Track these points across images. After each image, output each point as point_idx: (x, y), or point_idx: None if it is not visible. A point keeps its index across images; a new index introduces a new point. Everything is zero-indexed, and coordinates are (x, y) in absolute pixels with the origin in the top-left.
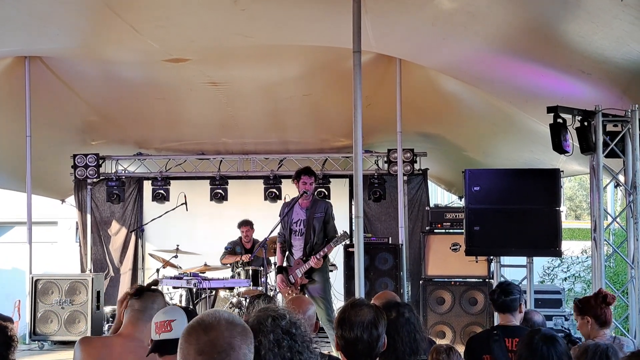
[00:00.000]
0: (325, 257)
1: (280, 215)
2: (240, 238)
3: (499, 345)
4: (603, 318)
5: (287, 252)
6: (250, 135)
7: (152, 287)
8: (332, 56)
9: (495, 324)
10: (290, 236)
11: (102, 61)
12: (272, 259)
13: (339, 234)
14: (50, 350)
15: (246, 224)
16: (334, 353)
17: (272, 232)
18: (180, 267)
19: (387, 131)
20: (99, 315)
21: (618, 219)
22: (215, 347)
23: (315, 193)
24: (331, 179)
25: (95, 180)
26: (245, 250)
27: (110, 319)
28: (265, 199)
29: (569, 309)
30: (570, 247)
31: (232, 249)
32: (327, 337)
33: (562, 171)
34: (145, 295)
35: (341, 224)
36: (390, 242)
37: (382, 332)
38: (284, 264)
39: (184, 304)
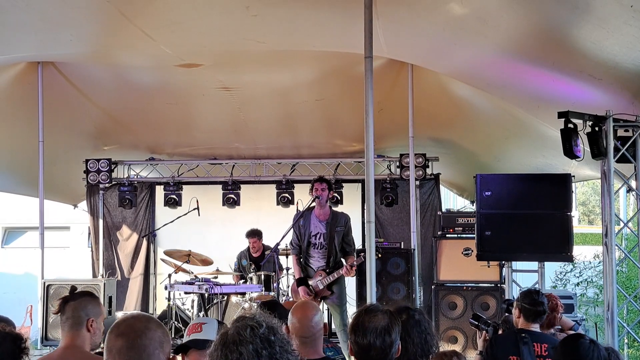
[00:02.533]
0: (353, 268)
1: (294, 227)
2: (248, 247)
3: (527, 348)
4: None
5: (302, 262)
6: (263, 140)
7: (72, 292)
8: (345, 61)
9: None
10: (308, 248)
11: (115, 66)
12: (284, 264)
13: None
14: None
15: (254, 235)
16: (347, 358)
17: (283, 237)
18: (192, 272)
19: (399, 136)
20: (110, 321)
21: (630, 224)
22: (132, 328)
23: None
24: (344, 184)
25: (107, 185)
26: (252, 260)
27: None
28: (278, 203)
29: (581, 314)
30: (582, 252)
31: (238, 265)
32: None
33: (574, 176)
34: (68, 306)
35: (354, 229)
36: (402, 246)
37: (395, 339)
38: (302, 275)
39: (195, 309)
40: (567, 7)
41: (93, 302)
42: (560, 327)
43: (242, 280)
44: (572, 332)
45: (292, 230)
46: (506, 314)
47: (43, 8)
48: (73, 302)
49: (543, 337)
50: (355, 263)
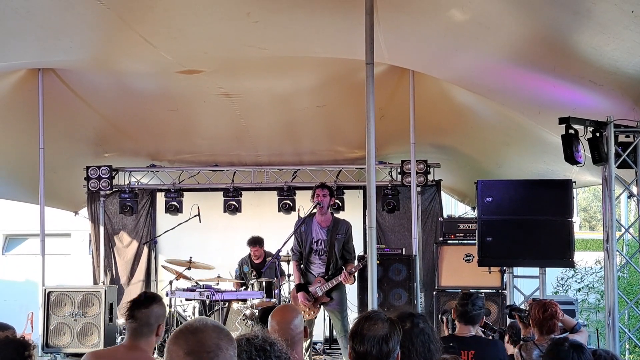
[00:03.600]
0: (352, 274)
1: (295, 233)
2: (249, 254)
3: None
4: None
5: (303, 268)
6: (264, 147)
7: (144, 300)
8: (346, 68)
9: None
10: (310, 254)
11: (115, 73)
12: (285, 271)
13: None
14: None
15: (255, 244)
16: None
17: (284, 244)
18: (193, 279)
19: (401, 142)
20: (112, 328)
21: (631, 230)
22: (204, 347)
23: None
24: (345, 191)
25: (108, 192)
26: (253, 267)
27: (124, 331)
28: (279, 210)
29: (583, 319)
30: (584, 258)
31: (240, 272)
32: (340, 349)
33: (575, 182)
34: (138, 314)
35: (355, 236)
36: (403, 253)
37: (393, 348)
38: (302, 281)
39: (197, 316)
40: (568, 13)
41: (162, 307)
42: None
43: (244, 287)
44: (575, 332)
45: (293, 236)
46: (512, 320)
47: (43, 15)
48: (145, 309)
49: (473, 343)
50: (353, 270)
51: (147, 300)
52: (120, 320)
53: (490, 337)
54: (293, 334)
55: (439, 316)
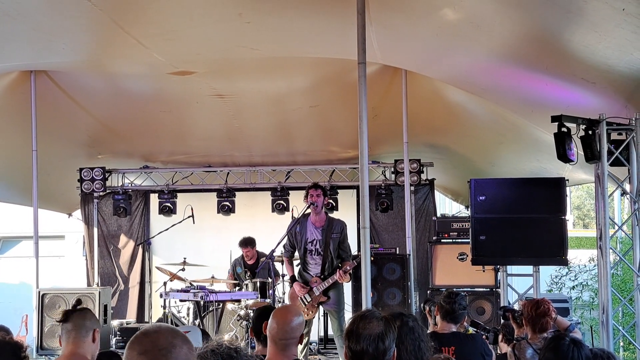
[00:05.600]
0: (347, 273)
1: (289, 232)
2: (242, 255)
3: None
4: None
5: (300, 269)
6: (257, 147)
7: (78, 306)
8: (339, 67)
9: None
10: (305, 255)
11: (108, 75)
12: (280, 271)
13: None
14: None
15: (246, 245)
16: None
17: (278, 244)
18: (188, 280)
19: (394, 142)
20: (106, 329)
21: (624, 227)
22: (157, 346)
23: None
24: (339, 190)
25: (101, 193)
26: (247, 268)
27: (118, 333)
28: (273, 210)
29: (577, 317)
30: (577, 256)
31: (233, 273)
32: (336, 349)
33: (568, 180)
34: (74, 316)
35: (349, 235)
36: (397, 252)
37: (389, 346)
38: (294, 273)
39: (191, 317)
40: (560, 11)
41: (94, 315)
42: (556, 328)
43: (238, 288)
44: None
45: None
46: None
47: (36, 17)
48: (78, 312)
49: (453, 339)
50: (348, 268)
51: (81, 307)
52: (115, 322)
53: (484, 337)
54: (290, 335)
55: (421, 305)
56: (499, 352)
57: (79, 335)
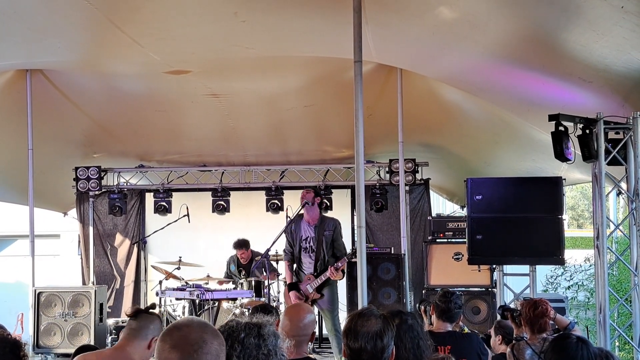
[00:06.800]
0: (339, 270)
1: (286, 233)
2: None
3: None
4: None
5: (295, 267)
6: (252, 147)
7: (150, 309)
8: (333, 67)
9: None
10: (300, 253)
11: (104, 74)
12: (276, 268)
13: (348, 252)
14: None
15: (241, 247)
16: None
17: (273, 243)
18: (183, 279)
19: (389, 141)
20: (102, 328)
21: (621, 227)
22: (188, 340)
23: (317, 204)
24: (333, 190)
25: (97, 192)
26: (242, 267)
27: (114, 331)
28: (268, 210)
29: (572, 317)
30: (573, 256)
31: (227, 270)
32: (330, 348)
33: (564, 179)
34: (142, 316)
35: (343, 235)
36: (392, 252)
37: (388, 344)
38: (294, 280)
39: (187, 315)
40: (557, 10)
41: (161, 323)
42: (556, 327)
43: (233, 286)
44: (568, 331)
45: (284, 237)
46: (499, 320)
47: (31, 16)
48: (147, 314)
49: (449, 338)
50: (340, 265)
51: (151, 311)
52: (111, 320)
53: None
54: (302, 332)
55: (417, 305)
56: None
57: (138, 335)
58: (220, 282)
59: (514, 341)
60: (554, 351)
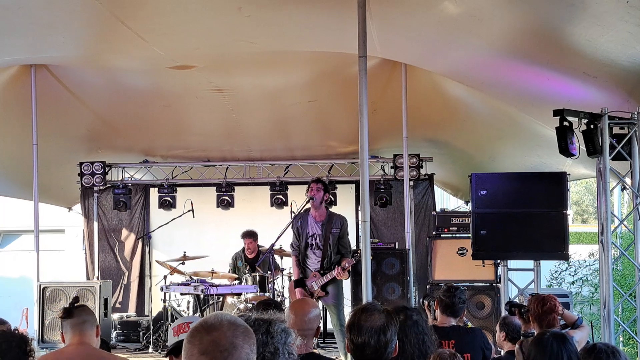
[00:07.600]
0: (345, 270)
1: (292, 228)
2: (243, 249)
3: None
4: None
5: (300, 264)
6: (256, 142)
7: (76, 303)
8: (338, 62)
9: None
10: (306, 249)
11: (108, 69)
12: (279, 264)
13: (353, 251)
14: None
15: (249, 236)
16: (342, 357)
17: (278, 238)
18: (187, 274)
19: (393, 136)
20: (106, 322)
21: (625, 222)
22: (218, 347)
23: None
24: (337, 185)
25: (102, 187)
26: (247, 262)
27: (119, 326)
28: (272, 205)
29: (577, 312)
30: (577, 251)
31: (233, 267)
32: (336, 343)
33: (569, 174)
34: (77, 311)
35: (348, 230)
36: (397, 247)
37: (391, 338)
38: (300, 276)
39: (191, 310)
40: (562, 4)
41: (91, 311)
42: (564, 322)
43: (237, 281)
44: (577, 327)
45: (291, 232)
46: (504, 316)
47: (35, 11)
48: (80, 308)
49: (453, 333)
50: (347, 265)
51: (80, 304)
52: (116, 315)
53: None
54: (307, 327)
55: (420, 300)
56: (498, 349)
57: (86, 328)
58: (230, 278)
59: (522, 337)
60: (531, 344)
